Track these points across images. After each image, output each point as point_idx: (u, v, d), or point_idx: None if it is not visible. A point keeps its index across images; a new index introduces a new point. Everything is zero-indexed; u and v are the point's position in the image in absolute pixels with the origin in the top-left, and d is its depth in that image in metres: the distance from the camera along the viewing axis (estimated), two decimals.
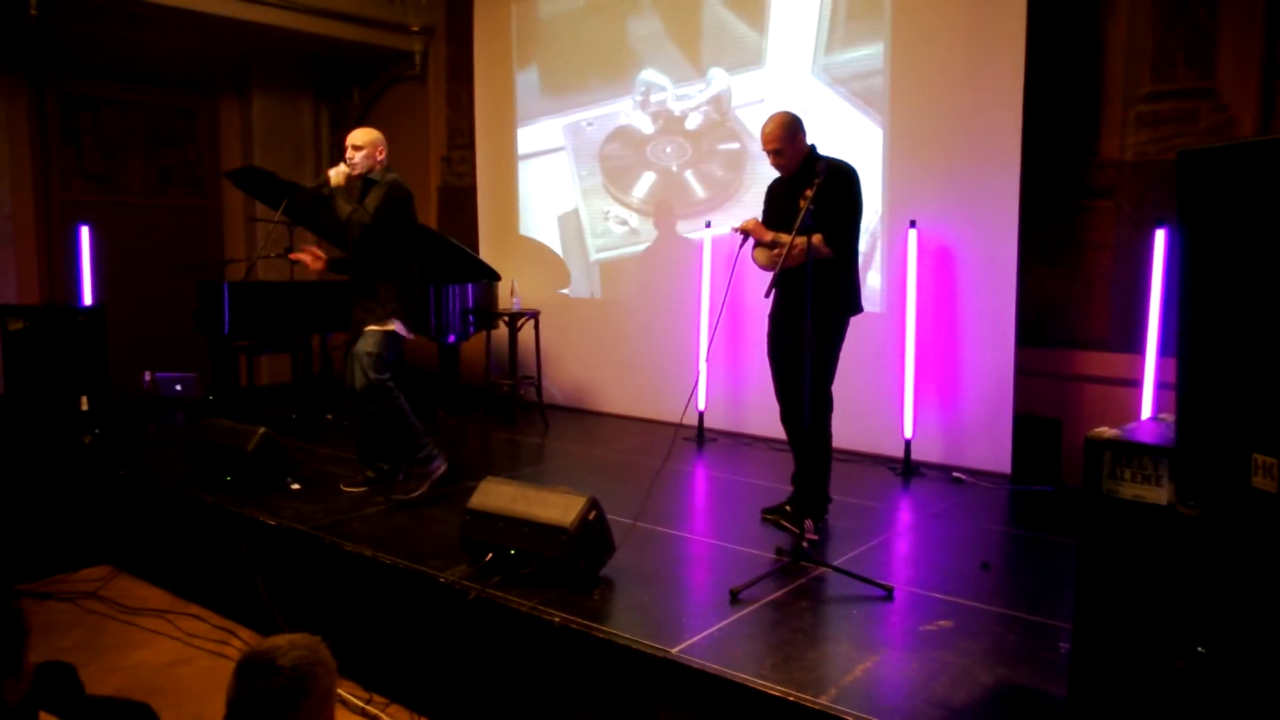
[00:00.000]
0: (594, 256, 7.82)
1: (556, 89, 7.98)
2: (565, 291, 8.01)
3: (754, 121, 6.67)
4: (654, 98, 7.33)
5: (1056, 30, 5.66)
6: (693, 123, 7.12)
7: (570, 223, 7.95)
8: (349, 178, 4.96)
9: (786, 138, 4.43)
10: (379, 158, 4.99)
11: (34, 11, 7.05)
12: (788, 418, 4.69)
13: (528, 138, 8.22)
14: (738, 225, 4.54)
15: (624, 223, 7.59)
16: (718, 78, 6.95)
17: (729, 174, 6.94)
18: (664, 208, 7.34)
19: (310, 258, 5.21)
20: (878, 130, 6.10)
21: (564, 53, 7.91)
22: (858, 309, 4.60)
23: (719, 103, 6.95)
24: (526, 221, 8.32)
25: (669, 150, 7.29)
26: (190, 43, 9.08)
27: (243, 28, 8.45)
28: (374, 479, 5.28)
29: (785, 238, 4.23)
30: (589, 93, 7.74)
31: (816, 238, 4.21)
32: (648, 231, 7.45)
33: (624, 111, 7.52)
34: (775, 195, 4.68)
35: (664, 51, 7.25)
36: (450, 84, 9.24)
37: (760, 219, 4.64)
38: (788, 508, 4.71)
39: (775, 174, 4.67)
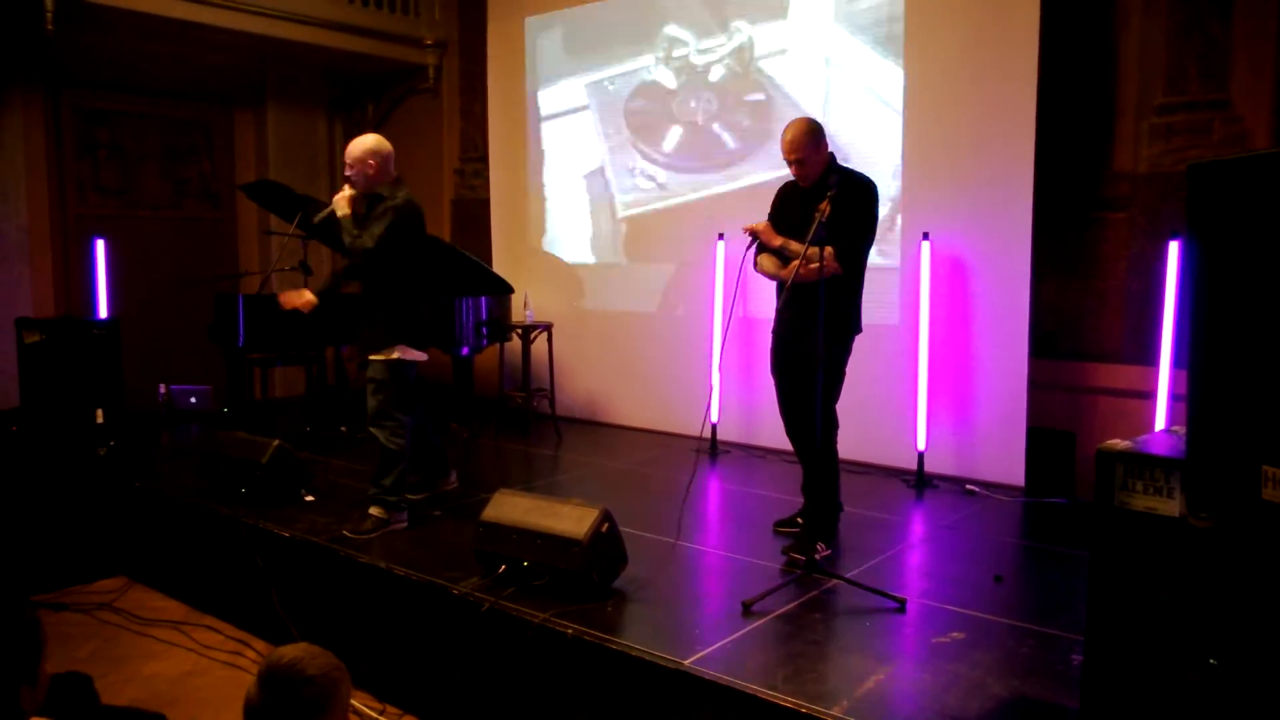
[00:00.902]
0: (622, 214, 7.78)
1: (579, 49, 7.96)
2: (580, 303, 8.02)
3: (778, 71, 6.69)
4: (676, 52, 7.30)
5: (1069, 42, 5.66)
6: (716, 75, 7.09)
7: (596, 181, 7.91)
8: (356, 198, 4.69)
9: (810, 146, 4.32)
10: (377, 165, 4.67)
11: (50, 26, 7.11)
12: (793, 431, 4.65)
13: (551, 98, 8.20)
14: (748, 225, 4.47)
15: (651, 179, 7.56)
16: (740, 30, 6.93)
17: (756, 124, 6.88)
18: (694, 163, 7.32)
19: (302, 303, 4.97)
20: (899, 76, 6.07)
21: (586, 11, 7.87)
22: (859, 329, 4.52)
23: (741, 55, 6.92)
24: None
25: (694, 104, 7.26)
26: (206, 57, 9.14)
27: (258, 42, 8.51)
28: (424, 482, 5.29)
29: (796, 246, 4.17)
30: (612, 49, 7.72)
31: (828, 251, 4.11)
32: (676, 186, 7.38)
33: (648, 68, 7.50)
34: (787, 200, 4.58)
35: (685, 6, 7.23)
36: (463, 97, 9.29)
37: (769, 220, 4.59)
38: (799, 520, 4.69)
39: (781, 185, 4.63)
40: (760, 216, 4.64)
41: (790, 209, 4.50)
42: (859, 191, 4.37)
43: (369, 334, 4.78)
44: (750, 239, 4.47)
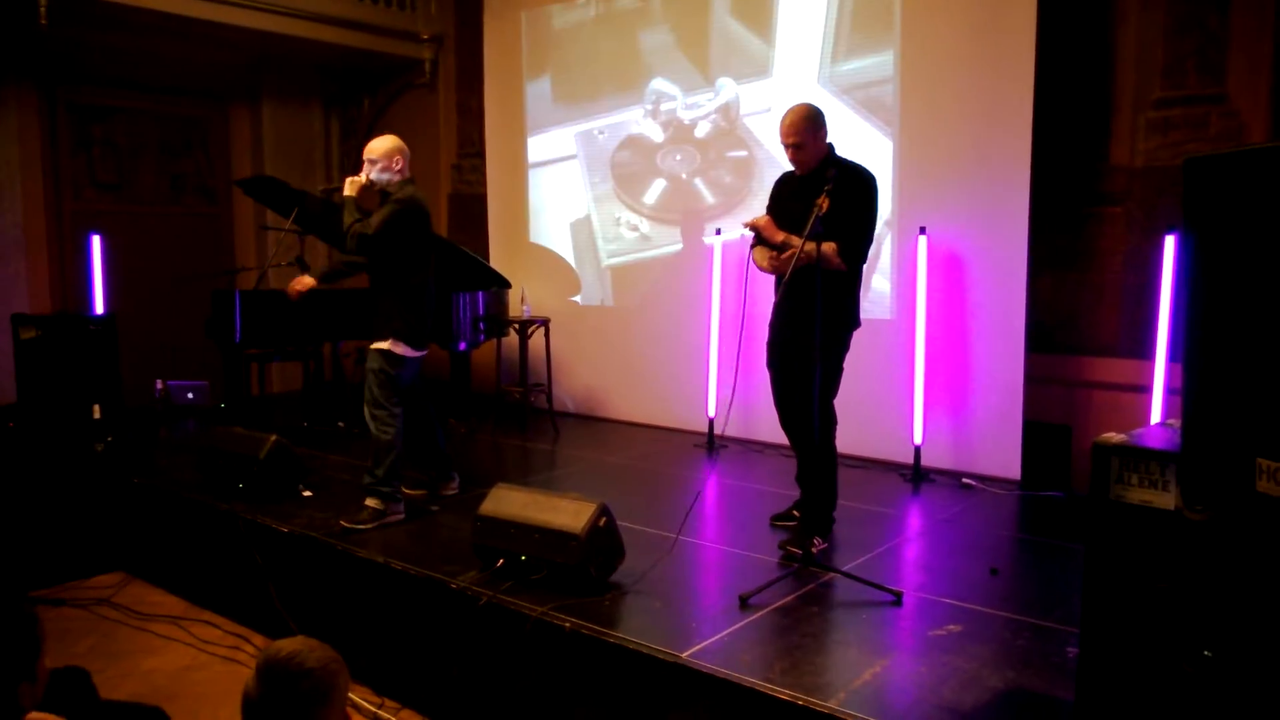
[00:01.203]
0: (606, 262, 7.85)
1: (568, 98, 8.03)
2: (576, 299, 8.04)
3: (761, 130, 6.73)
4: (664, 106, 7.37)
5: (1066, 37, 5.67)
6: (701, 131, 7.16)
7: (583, 229, 7.99)
8: (367, 189, 4.79)
9: (809, 130, 4.23)
10: (396, 169, 4.77)
11: (44, 21, 7.10)
12: (789, 424, 4.62)
13: (540, 146, 8.27)
14: (748, 220, 4.44)
15: (635, 229, 7.63)
16: (726, 87, 6.98)
17: (737, 181, 6.97)
18: (675, 215, 7.36)
19: (303, 286, 5.19)
20: (886, 141, 6.12)
21: (576, 63, 7.96)
22: (858, 323, 4.47)
23: (727, 111, 6.99)
24: (537, 228, 8.35)
25: (679, 158, 7.33)
26: (201, 52, 9.13)
27: (253, 37, 8.50)
28: (426, 482, 5.31)
29: (798, 241, 4.09)
30: (600, 101, 7.79)
31: (830, 247, 4.09)
32: (659, 237, 7.48)
33: (635, 120, 7.57)
34: (785, 192, 4.52)
35: (674, 61, 7.30)
36: (460, 92, 9.28)
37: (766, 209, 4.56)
38: (795, 513, 4.70)
39: (779, 176, 4.62)
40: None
41: (788, 201, 4.44)
42: (859, 185, 4.28)
43: (373, 325, 4.84)
44: (752, 236, 4.42)
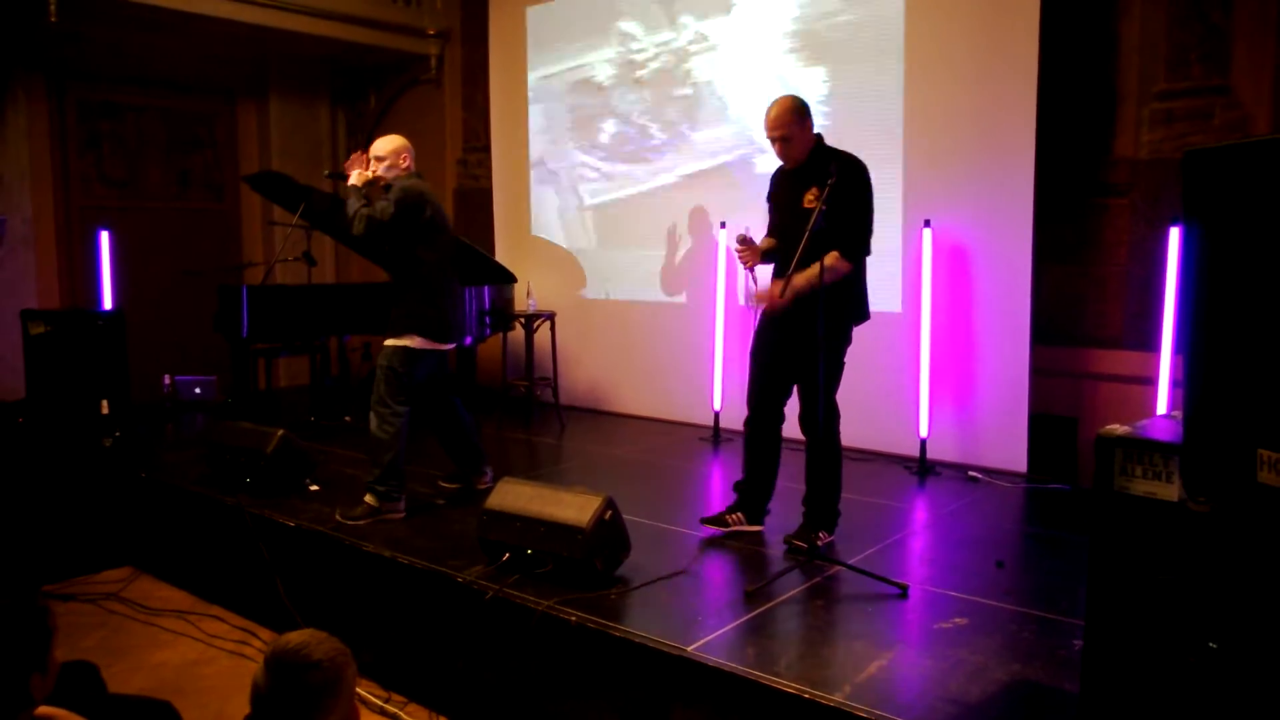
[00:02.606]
0: (588, 201, 7.97)
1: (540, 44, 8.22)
2: (582, 293, 8.04)
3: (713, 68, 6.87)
4: (628, 47, 7.53)
5: (1070, 28, 5.66)
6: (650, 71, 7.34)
7: (563, 175, 8.18)
8: (373, 184, 4.76)
9: (795, 123, 4.10)
10: (403, 166, 4.79)
11: (54, 18, 7.12)
12: (760, 423, 4.47)
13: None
14: (757, 302, 4.24)
15: (597, 170, 7.81)
16: (687, 25, 7.12)
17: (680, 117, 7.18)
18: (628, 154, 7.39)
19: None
20: (892, 133, 6.09)
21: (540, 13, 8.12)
22: (865, 316, 4.35)
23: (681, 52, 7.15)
24: (541, 222, 8.36)
25: (632, 98, 7.53)
26: (208, 48, 9.16)
27: (260, 33, 8.51)
28: (459, 474, 5.34)
29: (801, 279, 4.01)
30: (564, 47, 7.98)
31: (831, 258, 4.00)
32: (619, 177, 7.66)
33: (591, 64, 7.76)
34: (778, 187, 4.42)
35: (638, 3, 7.44)
36: (465, 87, 9.29)
37: (768, 223, 4.49)
38: (728, 517, 4.56)
39: (773, 174, 4.55)
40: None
41: (781, 195, 4.36)
42: (853, 176, 4.13)
43: (390, 318, 4.84)
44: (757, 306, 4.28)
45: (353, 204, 4.69)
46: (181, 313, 8.70)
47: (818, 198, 3.99)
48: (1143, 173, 5.54)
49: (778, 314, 4.19)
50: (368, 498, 4.81)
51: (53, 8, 7.07)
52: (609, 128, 7.69)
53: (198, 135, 9.71)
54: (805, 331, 4.11)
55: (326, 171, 5.04)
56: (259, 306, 7.00)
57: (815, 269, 3.99)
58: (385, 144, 4.84)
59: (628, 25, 7.46)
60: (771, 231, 4.43)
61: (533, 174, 8.32)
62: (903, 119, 6.07)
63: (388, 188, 4.77)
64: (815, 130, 4.26)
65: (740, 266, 4.28)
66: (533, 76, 8.22)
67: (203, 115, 9.75)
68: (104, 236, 7.69)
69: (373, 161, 4.80)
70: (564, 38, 7.95)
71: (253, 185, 7.79)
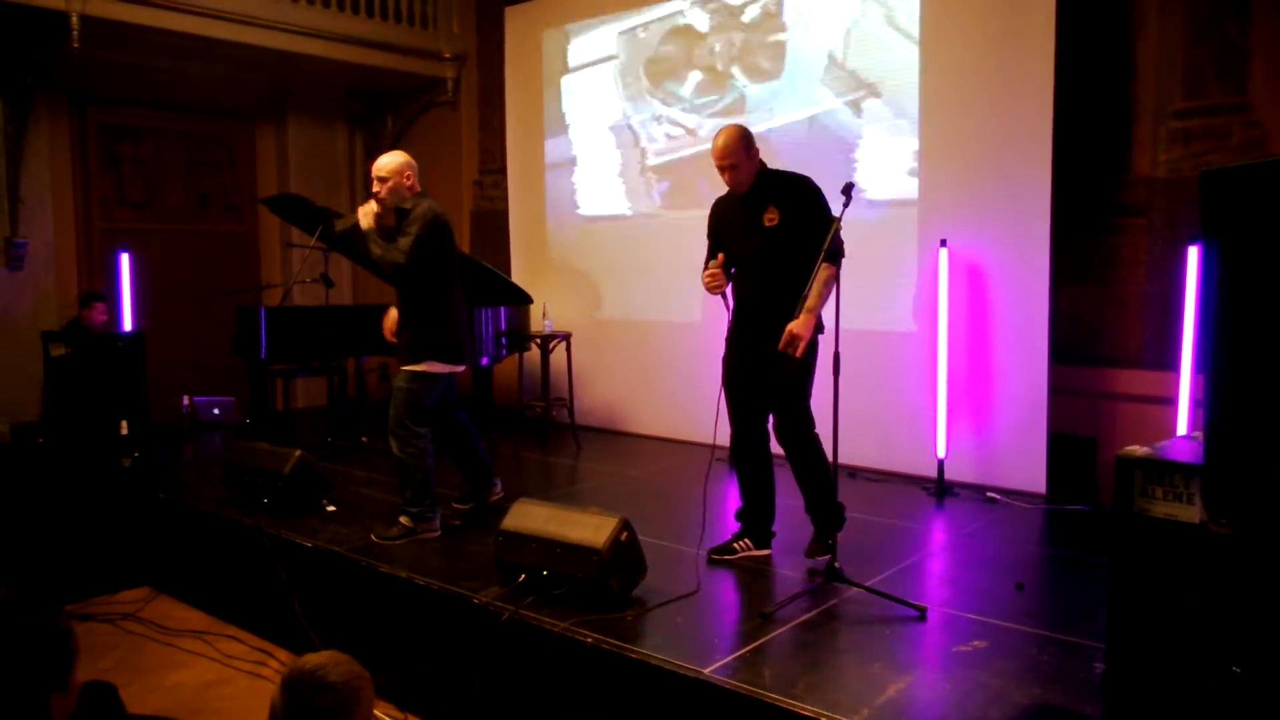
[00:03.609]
0: (651, 161, 7.76)
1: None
2: (598, 313, 8.05)
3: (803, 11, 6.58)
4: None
5: (1086, 47, 5.66)
6: (750, 15, 7.06)
7: (623, 134, 7.92)
8: (383, 213, 4.74)
9: (741, 151, 4.26)
10: (407, 184, 4.74)
11: (76, 43, 7.20)
12: (746, 446, 4.56)
13: (580, 49, 8.17)
14: (791, 347, 4.22)
15: (678, 124, 7.55)
16: None
17: (774, 65, 6.93)
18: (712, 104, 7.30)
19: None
20: (909, 152, 6.10)
21: None
22: (824, 329, 4.34)
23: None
24: (557, 225, 8.37)
25: (718, 48, 7.25)
26: (227, 72, 9.24)
27: (279, 57, 8.59)
28: (471, 494, 5.33)
29: (815, 300, 4.14)
30: None
31: (826, 271, 4.07)
32: (705, 131, 7.26)
33: (680, 11, 7.46)
34: (727, 216, 4.50)
35: None
36: (482, 109, 9.35)
37: (708, 247, 4.52)
38: (736, 545, 4.59)
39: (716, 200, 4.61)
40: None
41: (733, 223, 4.44)
42: (803, 189, 4.31)
43: (403, 343, 4.82)
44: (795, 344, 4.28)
45: (374, 250, 4.66)
46: (200, 334, 8.75)
47: (778, 215, 4.21)
48: (1160, 192, 5.52)
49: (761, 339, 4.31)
50: (402, 519, 4.83)
51: (75, 33, 7.15)
52: (693, 79, 7.38)
53: (217, 158, 9.78)
54: (771, 348, 4.19)
55: (337, 226, 4.99)
56: (277, 328, 7.03)
57: (818, 288, 4.11)
58: (387, 163, 4.76)
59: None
60: (726, 259, 4.42)
61: (611, 136, 7.97)
62: (919, 138, 6.07)
63: (399, 209, 4.75)
64: (759, 156, 4.40)
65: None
66: (614, 29, 7.89)
67: (222, 138, 9.83)
68: (124, 258, 7.75)
69: (375, 182, 4.74)
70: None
71: (271, 207, 7.84)
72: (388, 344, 5.07)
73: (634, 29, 7.78)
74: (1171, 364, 5.34)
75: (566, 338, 7.51)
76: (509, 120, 8.77)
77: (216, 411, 8.27)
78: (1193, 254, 5.18)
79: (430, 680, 4.09)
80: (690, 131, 7.44)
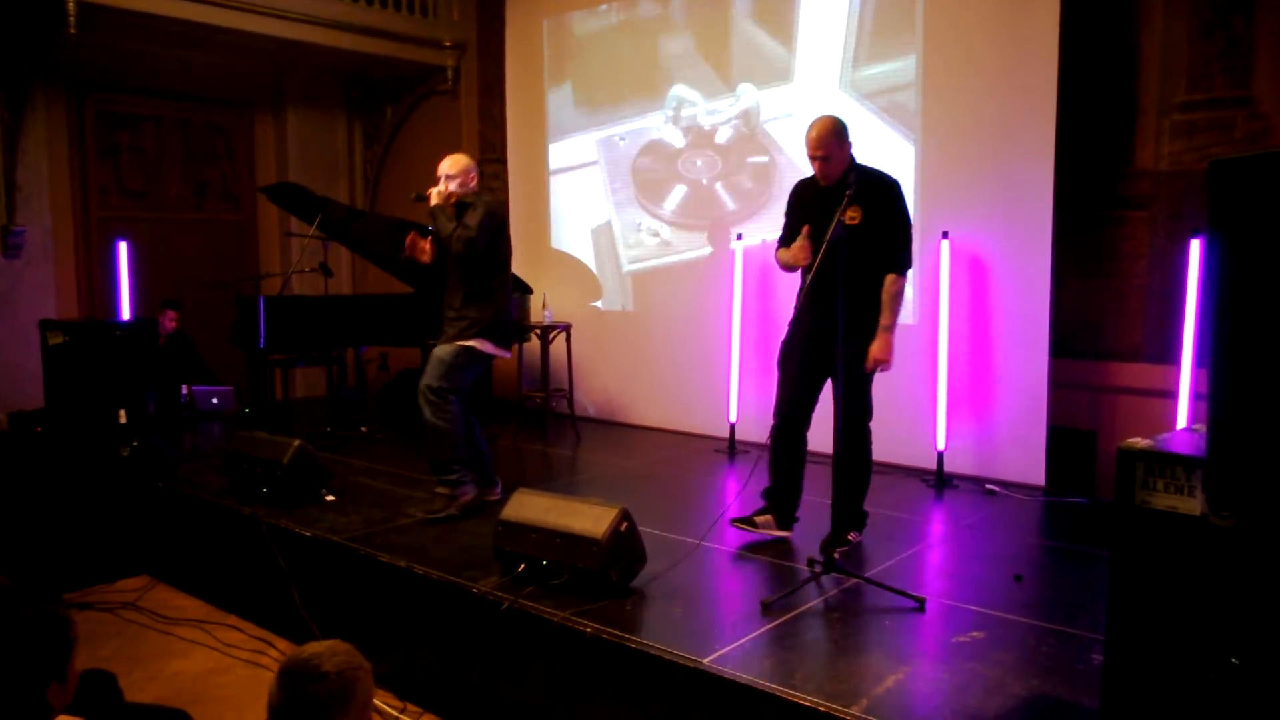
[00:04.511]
0: (627, 268, 7.86)
1: (590, 104, 8.06)
2: (598, 304, 8.05)
3: (782, 135, 6.72)
4: (685, 112, 7.40)
5: (1090, 40, 5.64)
6: (722, 136, 7.17)
7: (603, 235, 8.01)
8: (445, 200, 4.99)
9: (835, 143, 4.27)
10: (471, 185, 5.03)
11: (73, 30, 7.18)
12: (790, 428, 4.59)
13: (561, 152, 8.29)
14: (881, 368, 4.41)
15: (656, 235, 7.64)
16: (747, 93, 6.99)
17: (757, 186, 6.97)
18: (696, 221, 7.36)
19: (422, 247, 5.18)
20: (908, 146, 6.10)
21: (597, 69, 7.99)
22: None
23: (748, 117, 6.99)
24: (558, 235, 8.38)
25: (699, 164, 7.35)
26: (226, 60, 9.21)
27: (278, 45, 8.56)
28: (444, 494, 5.27)
29: (889, 318, 4.34)
30: (621, 107, 7.81)
31: (892, 282, 4.30)
32: (680, 243, 7.49)
33: (656, 126, 7.59)
34: (805, 200, 4.52)
35: (695, 67, 7.32)
36: (482, 99, 9.32)
37: (783, 226, 4.58)
38: (756, 519, 4.63)
39: (797, 183, 4.64)
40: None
41: (809, 209, 4.43)
42: (889, 193, 4.38)
43: (449, 324, 5.01)
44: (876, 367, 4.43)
45: (445, 226, 4.93)
46: (199, 323, 8.74)
47: (860, 214, 4.22)
48: (1163, 185, 5.51)
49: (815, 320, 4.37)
50: (440, 489, 5.01)
51: (72, 19, 7.12)
52: (678, 192, 7.53)
53: (215, 146, 9.77)
54: (835, 342, 4.14)
55: (413, 195, 5.18)
56: (276, 317, 7.02)
57: (889, 304, 4.34)
58: (455, 163, 5.04)
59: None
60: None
61: (590, 236, 8.13)
62: (921, 130, 6.06)
63: (460, 204, 4.99)
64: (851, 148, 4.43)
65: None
66: (593, 136, 8.06)
67: (220, 126, 9.81)
68: (122, 247, 7.74)
69: (444, 180, 5.00)
70: (616, 98, 7.87)
71: (270, 196, 7.83)
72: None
73: (611, 137, 7.93)
74: (1172, 358, 5.34)
75: (566, 328, 7.50)
76: (509, 110, 8.75)
77: (215, 401, 8.26)
78: (1195, 247, 5.18)
79: (429, 670, 4.09)
80: (665, 242, 7.61)
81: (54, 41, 7.67)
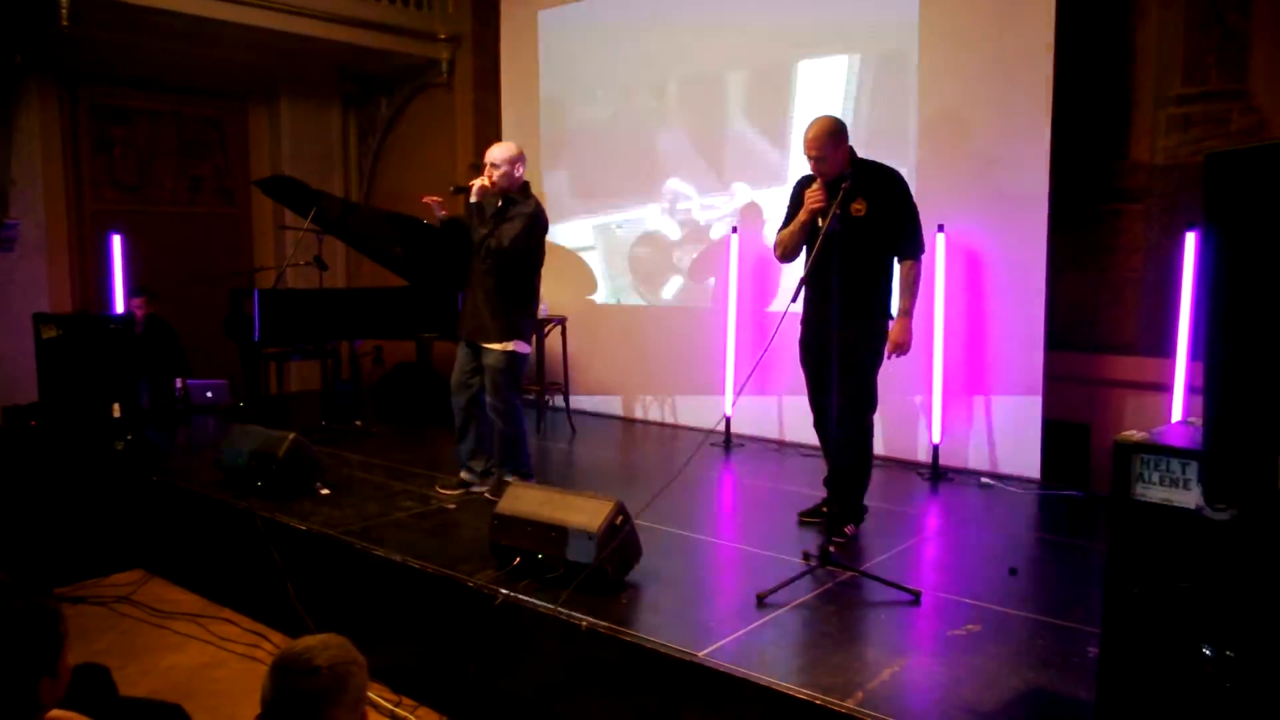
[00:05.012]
0: (623, 262, 7.86)
1: (586, 191, 8.08)
2: (593, 298, 8.04)
3: None
4: (679, 205, 7.41)
5: (1086, 33, 5.63)
6: (718, 233, 7.15)
7: (600, 230, 8.00)
8: (487, 192, 4.98)
9: (830, 144, 4.30)
10: (518, 175, 5.01)
11: (66, 22, 7.14)
12: (824, 424, 4.62)
13: (559, 236, 8.16)
14: (899, 352, 4.49)
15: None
16: (740, 191, 7.00)
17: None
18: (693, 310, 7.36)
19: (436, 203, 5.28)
20: (906, 136, 6.08)
21: (593, 158, 8.01)
22: (892, 315, 4.53)
23: (745, 215, 7.00)
24: (554, 228, 8.33)
25: (695, 257, 7.38)
26: (220, 53, 9.18)
27: (272, 37, 8.53)
28: (467, 481, 5.35)
29: (908, 303, 4.42)
30: (617, 197, 7.82)
31: (908, 269, 4.42)
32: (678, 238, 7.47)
33: (651, 216, 7.61)
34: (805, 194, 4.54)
35: (689, 162, 7.34)
36: (477, 92, 9.29)
37: (784, 219, 4.61)
38: (824, 510, 4.68)
39: (800, 178, 4.65)
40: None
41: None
42: (893, 184, 4.45)
43: (480, 321, 5.06)
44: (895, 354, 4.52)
45: (478, 231, 5.00)
46: (193, 317, 8.71)
47: (865, 206, 4.31)
48: (1158, 178, 5.51)
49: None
50: (509, 480, 5.08)
51: (64, 12, 7.09)
52: (674, 283, 7.56)
53: (209, 139, 9.74)
54: (844, 334, 4.17)
55: (451, 188, 5.18)
56: (271, 311, 6.99)
57: (907, 289, 4.43)
58: (502, 151, 5.01)
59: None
60: (807, 242, 4.50)
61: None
62: (917, 123, 6.05)
63: (507, 199, 5.00)
64: (849, 145, 4.47)
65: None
66: (590, 222, 8.04)
67: (214, 119, 9.78)
68: (115, 240, 7.71)
69: (488, 167, 4.97)
70: (611, 188, 7.87)
71: (264, 190, 7.80)
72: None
73: (608, 225, 7.94)
74: (1167, 351, 5.33)
75: (562, 322, 7.49)
76: (504, 103, 8.72)
77: (209, 395, 8.24)
78: (1190, 240, 5.17)
79: (424, 663, 4.09)
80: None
81: (47, 34, 7.63)
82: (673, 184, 7.43)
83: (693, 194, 7.32)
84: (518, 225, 4.93)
